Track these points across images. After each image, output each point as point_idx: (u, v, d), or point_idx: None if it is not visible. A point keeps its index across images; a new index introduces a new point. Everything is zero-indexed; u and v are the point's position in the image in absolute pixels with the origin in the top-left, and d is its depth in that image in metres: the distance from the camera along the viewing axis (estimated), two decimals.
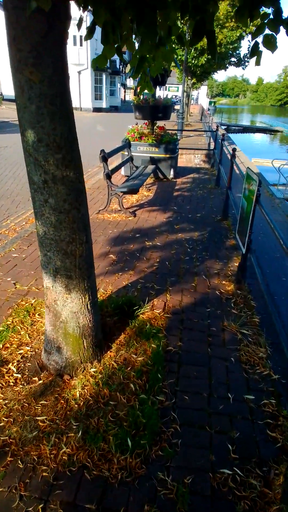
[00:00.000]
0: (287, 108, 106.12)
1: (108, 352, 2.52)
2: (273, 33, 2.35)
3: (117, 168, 6.17)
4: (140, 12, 1.79)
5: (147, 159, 7.87)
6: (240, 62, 19.69)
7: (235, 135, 36.68)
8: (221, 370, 2.47)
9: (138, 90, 2.93)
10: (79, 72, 32.69)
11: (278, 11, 2.19)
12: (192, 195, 6.92)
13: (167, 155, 7.86)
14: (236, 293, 3.41)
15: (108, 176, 5.34)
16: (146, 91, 2.81)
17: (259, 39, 2.55)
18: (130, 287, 3.46)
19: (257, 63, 2.58)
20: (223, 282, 3.64)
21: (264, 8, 2.40)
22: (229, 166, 5.28)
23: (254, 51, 2.43)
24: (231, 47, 16.68)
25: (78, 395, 2.18)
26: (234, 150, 5.07)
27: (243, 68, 20.42)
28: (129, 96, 54.44)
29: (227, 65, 20.45)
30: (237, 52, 19.54)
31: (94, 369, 2.34)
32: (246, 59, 19.35)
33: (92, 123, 23.55)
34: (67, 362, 2.31)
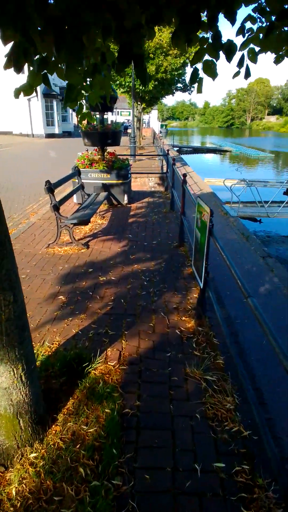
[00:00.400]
0: (233, 129, 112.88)
1: (53, 426, 2.11)
2: (213, 59, 2.21)
3: (67, 197, 5.85)
4: (59, 34, 1.53)
5: (99, 186, 7.63)
6: (186, 88, 20.52)
7: (187, 156, 38.01)
8: (186, 432, 2.15)
9: (78, 120, 2.68)
10: (29, 100, 32.42)
11: (216, 35, 2.05)
12: (147, 221, 6.73)
13: (120, 181, 7.68)
14: (197, 330, 3.16)
15: (56, 207, 4.99)
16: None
17: (199, 65, 2.41)
18: (80, 335, 3.08)
19: (199, 90, 2.43)
20: (183, 318, 3.37)
21: (203, 33, 2.27)
22: (181, 190, 5.15)
23: (194, 78, 2.27)
24: (176, 73, 17.33)
25: (14, 493, 1.75)
26: (184, 175, 4.97)
27: (189, 93, 21.27)
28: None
29: (174, 91, 21.21)
30: (183, 78, 20.38)
31: (35, 454, 1.92)
32: (191, 84, 20.16)
33: (44, 149, 23.18)
34: (1, 449, 1.87)
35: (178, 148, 41.82)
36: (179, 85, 21.03)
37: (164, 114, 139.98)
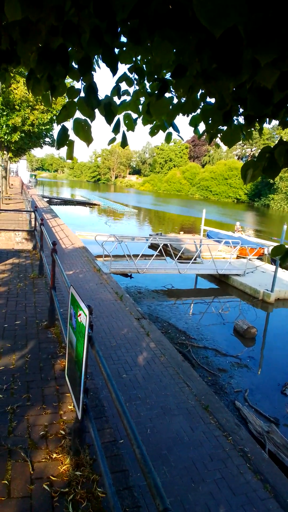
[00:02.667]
0: (100, 184, 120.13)
1: None
2: (87, 119, 1.61)
3: None
4: None
5: None
6: (54, 143, 20.42)
7: (57, 207, 37.61)
8: None
9: None
10: None
11: (91, 87, 1.45)
12: (10, 291, 5.53)
13: None
14: (75, 477, 2.22)
15: None
16: None
17: (69, 124, 1.78)
18: None
19: (69, 156, 1.78)
20: (54, 455, 2.39)
21: (74, 82, 1.66)
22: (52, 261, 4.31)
23: (63, 140, 1.61)
24: (43, 128, 17.02)
25: None
26: (54, 244, 4.19)
27: (57, 149, 21.16)
28: None
29: (43, 144, 20.83)
30: (51, 133, 20.29)
31: None
32: (59, 148, 20.20)
33: None
34: None
35: (48, 199, 41.13)
36: (47, 139, 20.81)
37: (33, 165, 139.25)
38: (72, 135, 1.62)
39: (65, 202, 46.14)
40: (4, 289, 5.61)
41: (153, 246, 16.01)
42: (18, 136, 15.58)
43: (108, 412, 2.94)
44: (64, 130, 1.56)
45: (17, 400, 2.91)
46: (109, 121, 1.60)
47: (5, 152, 19.86)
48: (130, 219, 35.69)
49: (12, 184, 33.76)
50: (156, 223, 35.04)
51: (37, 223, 7.55)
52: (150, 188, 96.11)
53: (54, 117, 16.69)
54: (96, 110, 1.51)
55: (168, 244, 13.27)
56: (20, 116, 15.05)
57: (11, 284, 5.85)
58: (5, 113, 14.82)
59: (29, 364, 3.49)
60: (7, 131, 15.21)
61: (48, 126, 17.79)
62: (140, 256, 13.11)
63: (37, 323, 4.47)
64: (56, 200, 44.96)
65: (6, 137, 15.51)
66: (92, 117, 1.53)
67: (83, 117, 1.57)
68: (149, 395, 3.82)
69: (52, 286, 4.31)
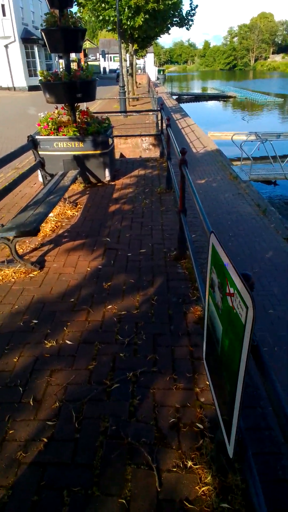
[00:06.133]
0: (236, 71, 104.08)
1: None
2: None
3: (17, 182, 3.98)
4: None
5: (70, 159, 5.67)
6: (183, 22, 17.16)
7: (187, 104, 34.51)
8: None
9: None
10: (6, 46, 28.54)
11: None
12: (135, 210, 4.87)
13: (98, 151, 5.69)
14: (220, 510, 1.51)
15: None
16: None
17: None
18: None
19: None
20: (189, 462, 1.71)
21: None
22: (180, 180, 3.26)
23: None
24: (170, 2, 14.13)
25: None
26: (183, 152, 3.05)
27: (187, 29, 17.80)
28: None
29: (169, 26, 17.84)
30: (179, 10, 17.01)
31: None
32: (189, 17, 16.84)
33: (25, 104, 20.43)
34: None
35: (177, 96, 37.97)
36: (174, 19, 17.63)
37: (161, 58, 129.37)
38: None
39: (196, 97, 42.05)
40: (129, 207, 4.96)
41: None
42: (142, 19, 13.42)
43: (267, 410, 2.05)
44: None
45: (141, 363, 2.30)
46: None
47: (129, 43, 17.94)
48: (272, 112, 30.12)
49: (139, 84, 31.86)
50: None
51: (163, 125, 6.38)
52: None
53: None
54: None
55: None
56: None
57: (136, 202, 5.16)
58: None
59: (156, 310, 2.82)
60: (130, 14, 13.21)
61: (175, 0, 14.80)
62: None
63: (164, 252, 3.72)
64: (185, 97, 41.34)
65: (129, 22, 13.58)
66: None
67: None
68: None
69: (182, 208, 3.34)
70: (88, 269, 3.46)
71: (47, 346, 2.46)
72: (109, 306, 2.88)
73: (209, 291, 1.49)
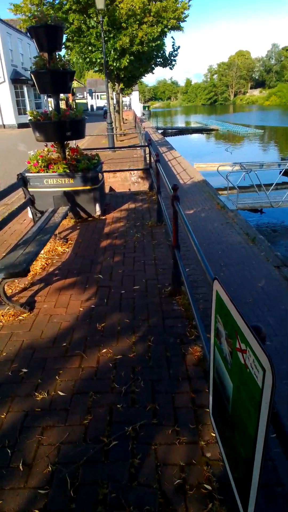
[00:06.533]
0: (217, 106, 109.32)
1: None
2: None
3: (6, 220, 3.90)
4: None
5: (60, 195, 5.66)
6: (167, 62, 18.09)
7: (172, 138, 35.72)
8: None
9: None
10: None
11: None
12: (126, 245, 4.81)
13: (88, 187, 5.70)
14: None
15: None
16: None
17: None
18: None
19: None
20: None
21: None
22: (173, 215, 3.23)
23: None
24: (153, 45, 14.96)
25: None
26: (175, 188, 3.04)
27: (170, 68, 18.79)
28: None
29: (153, 66, 18.76)
30: (162, 51, 17.97)
31: None
32: (171, 57, 17.78)
33: (14, 141, 20.82)
34: None
35: (162, 130, 39.38)
36: (158, 59, 18.56)
37: (145, 95, 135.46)
38: None
39: (180, 131, 43.67)
40: (121, 242, 4.91)
41: (287, 173, 13.30)
42: (127, 60, 14.08)
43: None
44: None
45: (140, 414, 2.14)
46: None
47: (116, 83, 18.74)
48: (253, 142, 31.37)
49: (126, 119, 33.05)
50: (286, 144, 30.07)
51: (152, 159, 6.50)
52: (277, 101, 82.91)
53: (165, 29, 14.41)
54: None
55: None
56: (128, 35, 13.38)
57: (127, 236, 5.12)
58: (111, 35, 13.37)
59: (153, 352, 2.69)
60: (115, 56, 13.87)
61: (158, 42, 15.65)
62: (273, 186, 10.95)
63: (159, 288, 3.62)
64: (170, 131, 42.88)
65: (115, 64, 14.23)
66: None
67: None
68: None
69: (175, 244, 3.30)
70: (81, 309, 3.32)
71: (37, 398, 2.28)
72: (104, 350, 2.73)
73: (214, 341, 1.39)
